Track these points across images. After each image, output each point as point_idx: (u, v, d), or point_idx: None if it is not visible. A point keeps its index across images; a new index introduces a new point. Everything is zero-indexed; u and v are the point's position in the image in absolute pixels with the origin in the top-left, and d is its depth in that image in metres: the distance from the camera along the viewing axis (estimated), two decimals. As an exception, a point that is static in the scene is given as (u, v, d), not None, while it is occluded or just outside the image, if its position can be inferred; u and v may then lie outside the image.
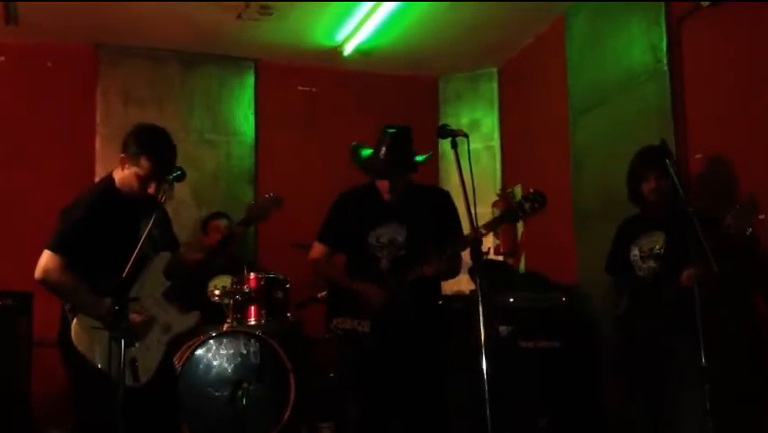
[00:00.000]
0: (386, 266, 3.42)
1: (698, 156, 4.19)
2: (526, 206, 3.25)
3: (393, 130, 3.52)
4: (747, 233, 3.19)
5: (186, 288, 3.32)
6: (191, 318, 3.28)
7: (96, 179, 5.67)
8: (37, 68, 5.82)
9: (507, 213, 3.33)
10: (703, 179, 4.13)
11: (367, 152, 3.60)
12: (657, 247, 3.59)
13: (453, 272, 3.53)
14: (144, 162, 3.07)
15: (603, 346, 3.85)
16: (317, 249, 3.62)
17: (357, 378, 3.49)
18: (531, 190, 3.30)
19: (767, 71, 3.74)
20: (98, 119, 5.85)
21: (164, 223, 3.30)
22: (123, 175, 3.14)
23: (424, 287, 3.40)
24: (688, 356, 3.29)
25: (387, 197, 3.53)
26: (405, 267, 3.38)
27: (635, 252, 3.67)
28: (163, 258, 3.21)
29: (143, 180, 3.09)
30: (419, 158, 3.58)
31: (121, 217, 3.10)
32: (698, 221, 3.20)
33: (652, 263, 3.59)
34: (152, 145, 3.11)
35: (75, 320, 2.98)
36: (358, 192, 3.64)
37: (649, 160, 3.64)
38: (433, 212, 3.51)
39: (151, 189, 3.10)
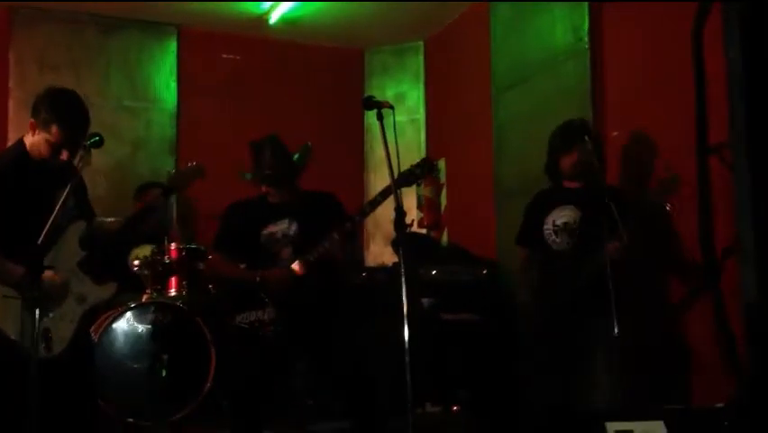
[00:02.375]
0: (287, 253, 3.46)
1: (614, 134, 4.31)
2: (417, 171, 3.31)
3: (267, 141, 3.67)
4: (667, 207, 3.30)
5: (101, 258, 3.24)
6: (107, 290, 3.22)
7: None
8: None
9: (400, 178, 3.28)
10: (624, 155, 4.24)
11: (248, 175, 3.75)
12: (572, 222, 3.66)
13: (355, 257, 3.66)
14: (55, 130, 2.99)
15: (517, 318, 3.94)
16: (214, 258, 3.72)
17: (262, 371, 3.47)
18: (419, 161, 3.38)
19: (682, 52, 3.86)
20: (11, 83, 5.62)
21: (80, 191, 3.21)
22: (33, 140, 3.05)
23: (323, 266, 3.43)
24: (602, 330, 3.40)
25: (274, 200, 3.63)
26: (303, 252, 3.43)
27: (549, 225, 3.72)
28: (78, 227, 3.13)
29: (54, 147, 3.00)
30: (295, 157, 3.65)
31: (33, 183, 3.01)
32: (613, 196, 3.29)
33: (566, 237, 3.66)
34: (63, 111, 3.02)
35: None
36: (245, 201, 3.77)
37: (572, 133, 3.70)
38: (321, 209, 3.60)
39: (64, 156, 3.01)
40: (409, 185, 3.20)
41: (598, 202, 3.43)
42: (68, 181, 2.86)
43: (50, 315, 2.93)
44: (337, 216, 3.46)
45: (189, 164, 3.59)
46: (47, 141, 3.00)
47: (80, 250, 3.11)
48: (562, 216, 3.69)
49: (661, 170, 3.67)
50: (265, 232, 3.55)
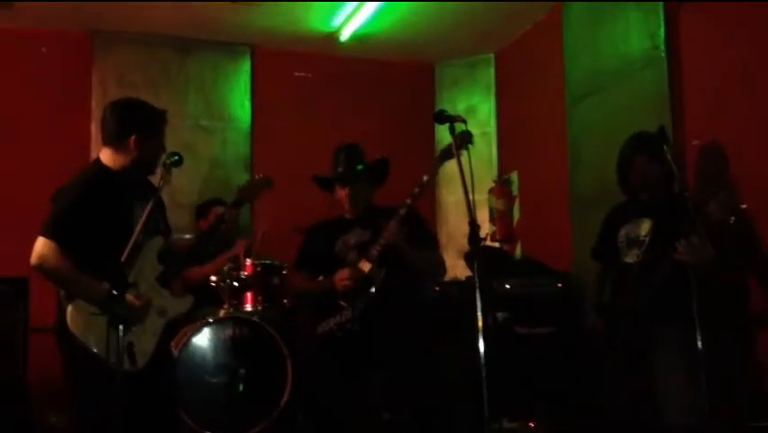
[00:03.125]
0: (353, 255, 3.46)
1: (695, 143, 4.19)
2: (457, 142, 3.20)
3: (344, 145, 3.73)
4: (730, 221, 3.19)
5: (178, 273, 3.31)
6: (185, 302, 3.27)
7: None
8: (32, 53, 5.78)
9: (442, 154, 3.31)
10: (696, 167, 4.14)
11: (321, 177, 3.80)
12: (643, 234, 3.60)
13: (430, 268, 3.60)
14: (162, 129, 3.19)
15: (589, 333, 3.87)
16: (295, 277, 3.78)
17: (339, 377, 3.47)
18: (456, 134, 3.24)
19: (763, 58, 3.74)
20: (94, 105, 5.82)
21: (159, 208, 3.29)
22: (142, 152, 3.15)
23: (394, 263, 3.39)
24: (677, 342, 3.31)
25: (348, 211, 3.64)
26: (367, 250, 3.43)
27: (623, 238, 3.67)
28: (157, 242, 3.19)
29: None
30: (360, 167, 3.65)
31: (115, 201, 3.08)
32: (686, 206, 3.21)
33: (637, 250, 3.60)
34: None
35: (70, 306, 2.96)
36: (325, 220, 3.80)
37: (637, 145, 3.66)
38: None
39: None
40: (450, 158, 3.13)
41: (671, 213, 3.36)
42: (149, 198, 2.94)
43: (133, 329, 3.00)
44: (413, 225, 3.43)
45: (257, 176, 3.65)
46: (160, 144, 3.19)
47: (158, 265, 3.18)
48: (634, 229, 3.64)
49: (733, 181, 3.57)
50: (339, 242, 3.56)
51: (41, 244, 2.94)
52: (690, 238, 3.20)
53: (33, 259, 2.94)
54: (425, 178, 3.35)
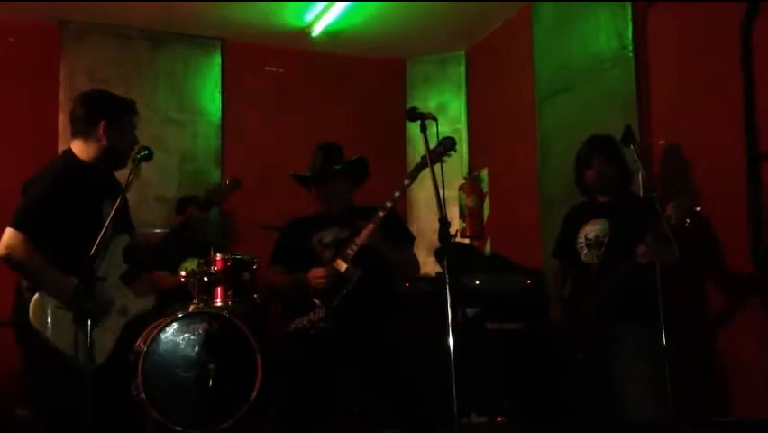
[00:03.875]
0: (329, 255, 3.44)
1: (661, 142, 4.26)
2: (439, 149, 3.27)
3: (323, 144, 3.67)
4: (686, 224, 3.25)
5: (141, 272, 3.27)
6: (147, 302, 3.24)
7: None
8: (-1, 43, 5.71)
9: (423, 161, 3.23)
10: (659, 168, 4.21)
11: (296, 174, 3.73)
12: (601, 235, 3.65)
13: (407, 268, 3.60)
14: (131, 118, 3.19)
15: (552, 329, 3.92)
16: (270, 270, 3.70)
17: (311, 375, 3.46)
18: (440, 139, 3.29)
19: (729, 59, 3.81)
20: (62, 97, 5.76)
21: (124, 206, 3.26)
22: (109, 139, 3.13)
23: (370, 261, 3.37)
24: (638, 341, 3.36)
25: (327, 209, 3.61)
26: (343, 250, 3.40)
27: (581, 238, 3.73)
28: (123, 240, 3.15)
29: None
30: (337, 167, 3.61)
31: (86, 194, 3.05)
32: (652, 207, 3.26)
33: (595, 250, 3.65)
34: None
35: (34, 299, 2.91)
36: (303, 216, 3.74)
37: (592, 148, 3.73)
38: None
39: None
40: (433, 164, 3.13)
41: (627, 214, 3.41)
42: (117, 193, 2.92)
43: (98, 325, 2.96)
44: (391, 223, 3.43)
45: (227, 181, 3.61)
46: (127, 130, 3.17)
47: (122, 263, 3.14)
48: (593, 229, 3.70)
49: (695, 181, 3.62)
50: (315, 237, 3.54)
51: (8, 235, 2.90)
52: (652, 239, 3.25)
53: (1, 250, 2.89)
54: (406, 182, 3.34)
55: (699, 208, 3.25)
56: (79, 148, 3.14)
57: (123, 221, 3.21)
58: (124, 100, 3.25)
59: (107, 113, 3.13)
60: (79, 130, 3.15)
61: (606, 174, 3.67)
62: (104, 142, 3.11)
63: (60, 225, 2.94)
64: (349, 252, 3.30)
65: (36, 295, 2.92)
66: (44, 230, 2.92)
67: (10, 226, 2.92)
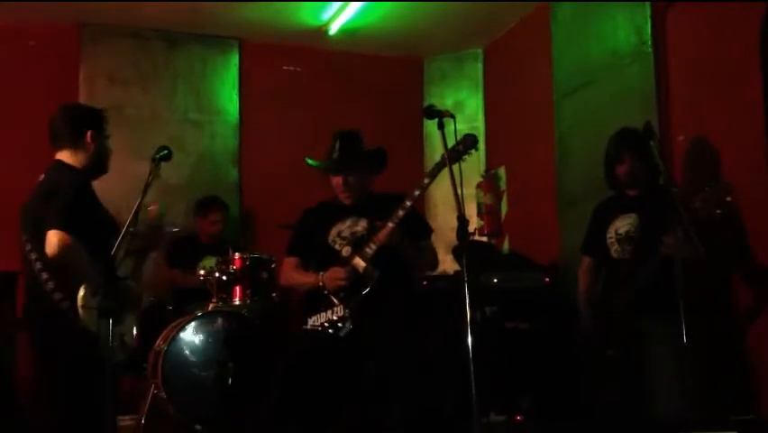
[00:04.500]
0: (348, 251, 3.40)
1: (680, 138, 4.23)
2: (460, 147, 3.22)
3: (341, 132, 3.64)
4: (716, 215, 3.22)
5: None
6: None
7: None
8: (19, 47, 5.75)
9: (443, 159, 3.19)
10: (685, 162, 4.17)
11: (313, 162, 3.69)
12: (631, 230, 3.63)
13: (426, 261, 3.56)
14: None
15: (578, 327, 3.90)
16: (287, 263, 3.63)
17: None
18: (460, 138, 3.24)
19: (750, 55, 3.77)
20: (81, 99, 5.78)
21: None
22: (97, 149, 3.28)
23: (389, 259, 3.33)
24: (665, 338, 3.34)
25: (344, 198, 3.55)
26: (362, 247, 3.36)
27: (611, 234, 3.71)
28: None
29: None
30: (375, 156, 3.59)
31: (93, 198, 3.19)
32: (672, 202, 3.23)
33: (626, 245, 3.63)
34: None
35: (81, 293, 2.98)
36: (319, 205, 3.70)
37: (623, 142, 3.69)
38: (393, 208, 3.41)
39: None
40: (454, 162, 3.10)
41: (658, 209, 3.38)
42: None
43: (123, 323, 3.00)
44: (410, 218, 3.39)
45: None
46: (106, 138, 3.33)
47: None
48: (623, 224, 3.67)
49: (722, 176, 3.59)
50: (333, 231, 3.51)
51: (57, 236, 2.98)
52: (675, 233, 3.23)
53: (53, 249, 2.97)
54: (426, 180, 3.31)
55: (729, 198, 3.22)
56: (68, 157, 3.26)
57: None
58: (100, 110, 3.41)
59: (92, 123, 3.30)
60: (66, 141, 3.28)
61: (636, 168, 3.64)
62: (92, 149, 3.25)
63: (86, 227, 3.03)
64: (368, 250, 3.27)
65: (82, 289, 2.99)
66: (77, 231, 3.01)
67: (53, 229, 2.99)
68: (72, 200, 3.06)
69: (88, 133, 3.26)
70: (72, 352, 3.02)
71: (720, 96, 4.03)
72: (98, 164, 3.31)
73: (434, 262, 3.66)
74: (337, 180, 3.53)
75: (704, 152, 4.04)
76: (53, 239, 2.97)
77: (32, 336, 3.17)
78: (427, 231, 3.60)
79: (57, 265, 3.01)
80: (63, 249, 2.97)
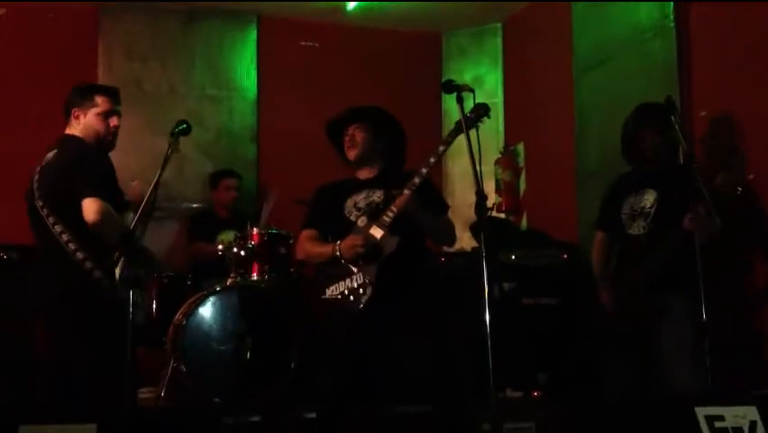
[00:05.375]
0: (363, 221, 3.36)
1: (702, 114, 4.18)
2: (471, 116, 3.18)
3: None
4: (737, 192, 3.18)
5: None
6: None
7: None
8: (38, 23, 5.76)
9: (458, 125, 3.18)
10: (706, 138, 4.13)
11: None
12: (648, 205, 3.59)
13: (444, 235, 3.54)
14: (99, 98, 3.36)
15: (595, 304, 3.89)
16: (304, 236, 3.59)
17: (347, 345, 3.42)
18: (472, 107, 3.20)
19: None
20: (100, 75, 5.81)
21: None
22: (84, 125, 3.35)
23: (406, 229, 3.29)
24: (682, 314, 3.32)
25: (351, 156, 3.53)
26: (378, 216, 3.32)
27: (626, 209, 3.67)
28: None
29: (106, 115, 3.35)
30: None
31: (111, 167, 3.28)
32: (691, 178, 3.20)
33: (642, 222, 3.59)
34: (95, 84, 3.47)
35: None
36: (336, 181, 3.67)
37: (643, 117, 3.64)
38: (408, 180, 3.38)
39: (114, 122, 3.37)
40: (468, 130, 3.05)
41: (676, 185, 3.35)
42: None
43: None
44: (426, 191, 3.34)
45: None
46: (97, 113, 3.33)
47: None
48: (639, 200, 3.63)
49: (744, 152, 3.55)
50: (349, 202, 3.47)
51: (95, 204, 3.07)
52: (697, 210, 3.20)
53: (94, 217, 3.06)
54: (441, 148, 3.29)
55: (751, 176, 3.19)
56: (80, 129, 3.39)
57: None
58: (88, 87, 3.55)
59: (75, 101, 3.43)
60: (67, 118, 3.43)
61: (655, 144, 3.59)
62: (83, 127, 3.38)
63: (110, 197, 3.13)
64: (385, 218, 3.25)
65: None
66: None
67: (89, 197, 3.08)
68: (100, 169, 3.16)
69: (73, 111, 3.39)
70: (106, 321, 3.04)
71: (744, 71, 3.97)
72: (100, 141, 3.38)
73: (452, 238, 3.62)
74: (344, 140, 3.53)
75: (725, 128, 3.99)
76: (92, 206, 3.04)
77: (59, 307, 3.19)
78: (444, 207, 3.58)
79: (95, 233, 3.06)
80: (103, 215, 3.04)
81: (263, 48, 6.28)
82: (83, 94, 3.42)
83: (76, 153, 3.22)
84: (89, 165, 3.20)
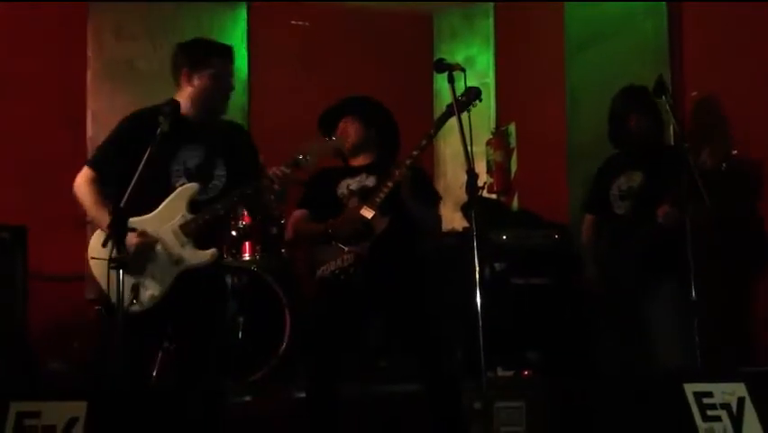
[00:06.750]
0: (354, 202, 3.38)
1: (693, 94, 4.19)
2: (463, 99, 3.17)
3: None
4: (722, 168, 3.20)
5: (204, 225, 3.10)
6: (206, 255, 3.09)
7: (88, 113, 5.67)
8: (26, 3, 5.71)
9: (448, 110, 3.18)
10: (694, 117, 4.14)
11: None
12: (635, 186, 3.62)
13: (430, 223, 3.52)
14: (216, 61, 3.25)
15: (584, 284, 3.91)
16: (295, 216, 3.60)
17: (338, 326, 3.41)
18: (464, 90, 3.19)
19: (763, 12, 3.71)
20: (90, 52, 5.77)
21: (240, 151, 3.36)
22: (195, 88, 3.21)
23: (396, 210, 3.29)
24: (669, 293, 3.35)
25: (356, 163, 3.54)
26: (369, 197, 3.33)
27: (614, 190, 3.70)
28: (190, 189, 3.11)
29: (223, 78, 3.25)
30: None
31: (165, 142, 2.97)
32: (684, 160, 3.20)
33: (629, 202, 3.62)
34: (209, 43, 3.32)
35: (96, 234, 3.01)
36: (331, 166, 3.64)
37: (629, 99, 3.66)
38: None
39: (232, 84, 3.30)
40: (461, 112, 3.05)
41: (665, 166, 3.37)
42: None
43: (144, 273, 2.99)
44: (419, 180, 3.36)
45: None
46: (211, 75, 3.21)
47: (188, 213, 3.08)
48: (627, 181, 3.66)
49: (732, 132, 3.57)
50: (342, 184, 3.49)
51: (82, 172, 3.07)
52: (682, 188, 3.21)
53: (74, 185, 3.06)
54: (432, 131, 3.30)
55: (735, 152, 3.20)
56: (187, 92, 3.26)
57: (212, 170, 3.22)
58: (203, 43, 3.41)
59: (186, 61, 3.27)
60: (174, 81, 3.27)
61: (642, 126, 3.61)
62: (192, 92, 3.24)
63: (132, 170, 2.83)
64: (376, 199, 3.27)
65: (93, 237, 3.02)
66: (119, 171, 2.98)
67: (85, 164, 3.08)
68: (115, 138, 3.12)
69: (183, 72, 3.22)
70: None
71: (735, 52, 3.97)
72: (206, 104, 3.27)
73: (437, 231, 3.66)
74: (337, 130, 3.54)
75: (710, 108, 4.00)
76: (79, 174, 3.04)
77: None
78: (435, 198, 3.59)
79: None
80: (76, 186, 3.04)
81: (254, 28, 6.23)
82: (195, 54, 3.25)
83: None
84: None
